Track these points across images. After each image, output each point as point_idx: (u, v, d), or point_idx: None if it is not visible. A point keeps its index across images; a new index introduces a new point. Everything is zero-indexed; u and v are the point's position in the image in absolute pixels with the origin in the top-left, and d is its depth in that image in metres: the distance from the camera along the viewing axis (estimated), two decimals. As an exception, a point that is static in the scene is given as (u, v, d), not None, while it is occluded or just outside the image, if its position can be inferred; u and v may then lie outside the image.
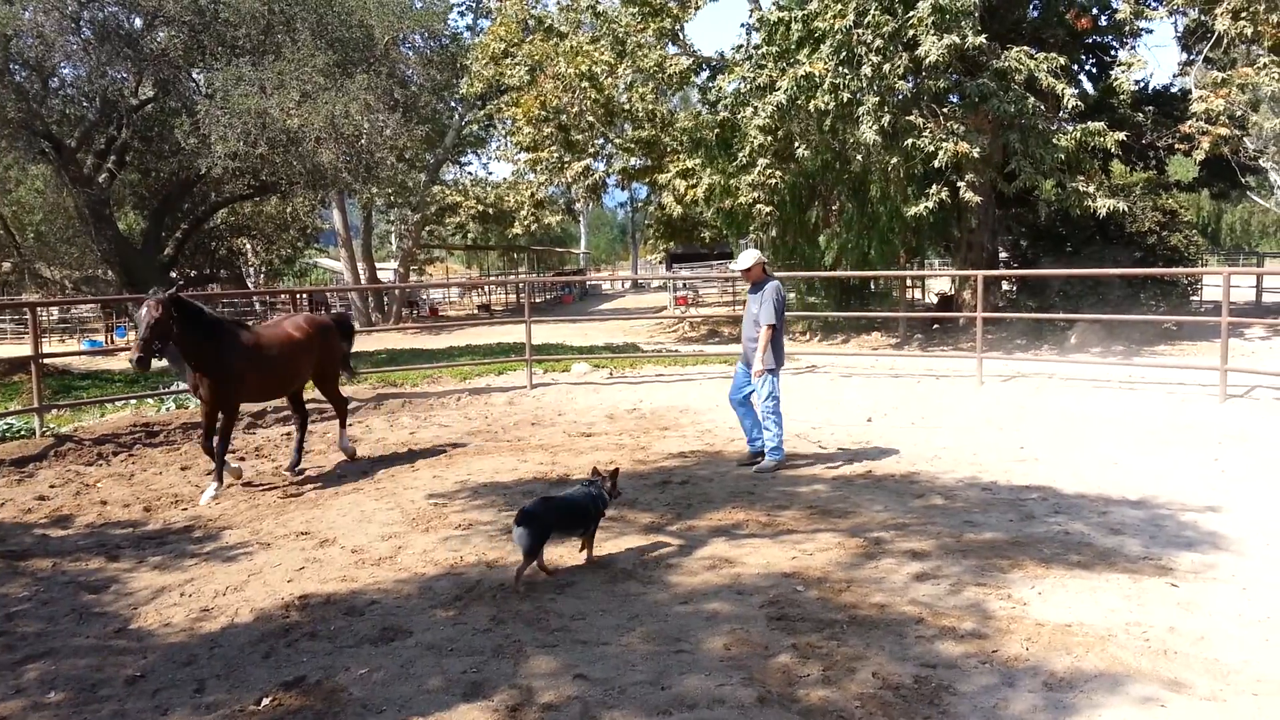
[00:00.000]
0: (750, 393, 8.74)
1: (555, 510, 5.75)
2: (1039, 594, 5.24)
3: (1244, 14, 14.33)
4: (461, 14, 33.38)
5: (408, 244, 36.75)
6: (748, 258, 8.63)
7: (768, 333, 8.38)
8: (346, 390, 12.99)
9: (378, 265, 41.09)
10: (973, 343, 13.60)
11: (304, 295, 37.68)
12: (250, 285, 38.43)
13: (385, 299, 35.74)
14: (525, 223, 35.07)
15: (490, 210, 39.70)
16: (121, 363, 23.05)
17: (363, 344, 21.74)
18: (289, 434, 10.83)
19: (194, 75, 15.50)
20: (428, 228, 40.02)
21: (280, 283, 41.49)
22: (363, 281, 33.87)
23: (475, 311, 40.48)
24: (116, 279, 18.04)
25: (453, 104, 31.72)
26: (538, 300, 40.30)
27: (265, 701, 4.23)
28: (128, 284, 16.37)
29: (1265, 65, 14.77)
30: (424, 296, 42.46)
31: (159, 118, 15.29)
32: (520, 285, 33.43)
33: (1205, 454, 8.63)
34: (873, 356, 15.98)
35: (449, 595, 5.46)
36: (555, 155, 22.59)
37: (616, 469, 6.40)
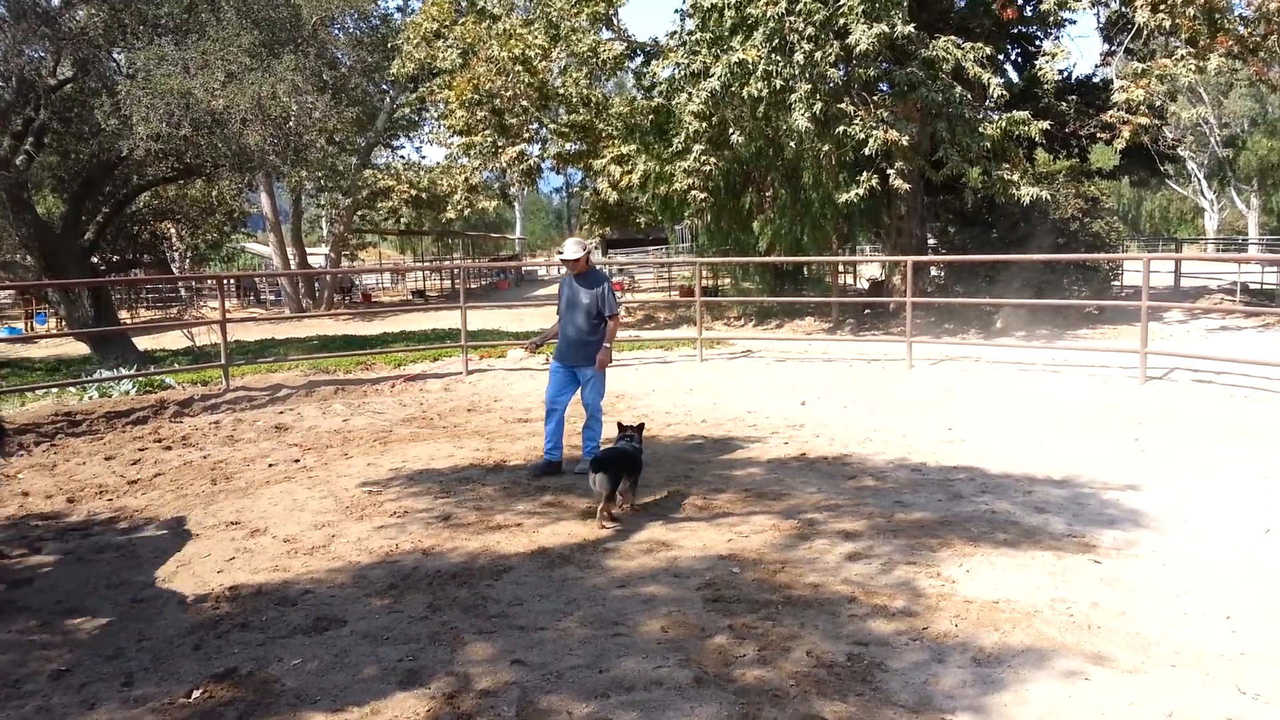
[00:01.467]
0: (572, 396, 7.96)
1: (623, 457, 6.63)
2: (967, 572, 5.39)
3: (1162, 7, 14.73)
4: (392, -5, 32.85)
5: (339, 229, 36.16)
6: (576, 248, 7.95)
7: (616, 325, 7.94)
8: (278, 376, 12.79)
9: (308, 250, 40.36)
10: (903, 327, 13.85)
11: (231, 280, 36.93)
12: (175, 270, 37.50)
13: (316, 285, 35.15)
14: (459, 207, 34.60)
15: (423, 195, 39.15)
16: (43, 350, 22.36)
17: (294, 330, 21.40)
18: (217, 423, 10.63)
19: (115, 55, 15.01)
20: (359, 212, 39.37)
21: (206, 268, 40.54)
22: (293, 267, 33.25)
23: (409, 297, 40.01)
24: (35, 264, 17.48)
25: (384, 86, 31.22)
26: (473, 286, 39.98)
27: (196, 694, 4.17)
28: (47, 269, 15.86)
29: (1182, 57, 15.21)
30: (357, 282, 41.85)
31: (78, 98, 14.79)
32: (455, 271, 33.13)
33: (1126, 434, 8.92)
34: (806, 341, 16.19)
35: (384, 583, 5.43)
36: (489, 139, 22.37)
37: (642, 424, 7.22)
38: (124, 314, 30.56)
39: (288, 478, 8.09)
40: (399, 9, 32.86)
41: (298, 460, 8.76)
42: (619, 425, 7.24)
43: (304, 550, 6.08)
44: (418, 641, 4.63)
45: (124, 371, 12.76)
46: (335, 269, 35.69)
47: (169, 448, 9.48)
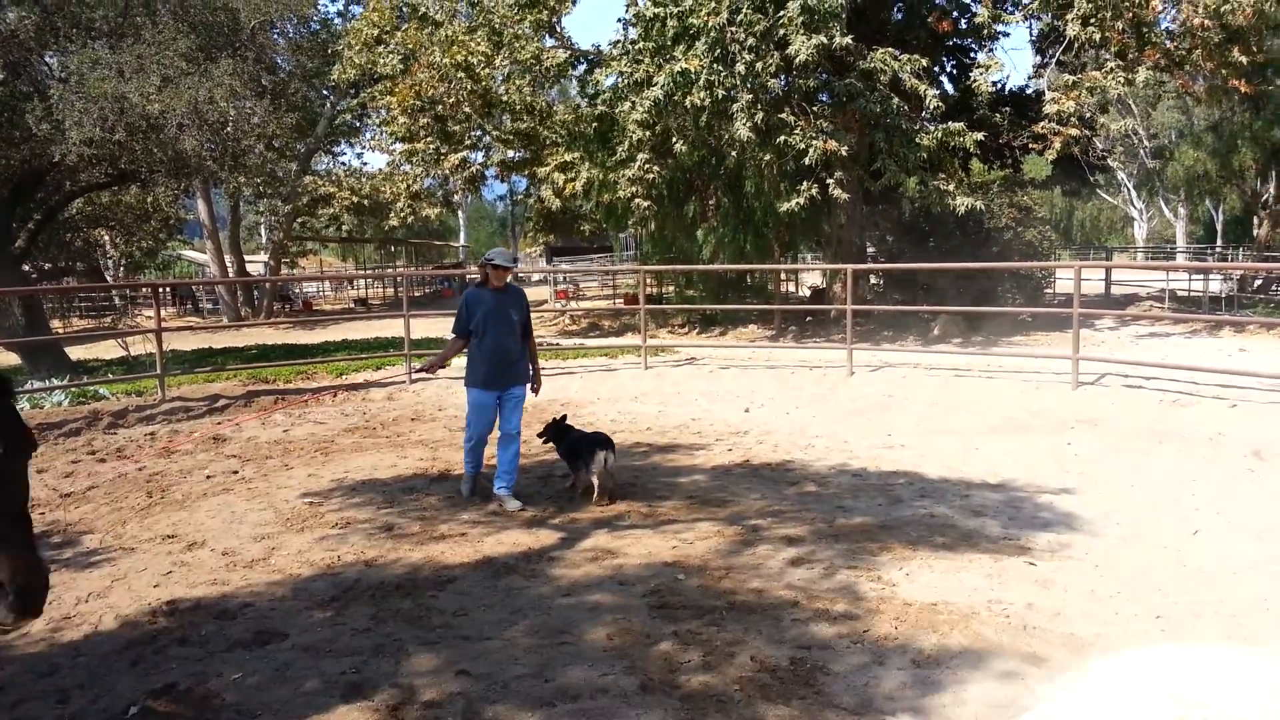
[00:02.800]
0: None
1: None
2: (907, 575, 5.48)
3: (1092, 20, 15.12)
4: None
5: (278, 236, 35.60)
6: (508, 257, 7.49)
7: (533, 344, 7.52)
8: (215, 386, 12.57)
9: (247, 258, 39.64)
10: (844, 334, 14.03)
11: (167, 288, 36.12)
12: (109, 279, 36.61)
13: (255, 293, 34.54)
14: (402, 215, 34.47)
15: (365, 202, 38.75)
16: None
17: (232, 339, 21.03)
18: (152, 434, 10.42)
19: (47, 58, 14.64)
20: (299, 219, 38.84)
21: (142, 276, 39.62)
22: (231, 274, 32.66)
23: (351, 306, 39.46)
24: (-39, 273, 16.95)
25: (324, 92, 30.84)
26: (417, 294, 39.61)
27: (133, 710, 4.09)
28: (-24, 277, 15.35)
29: (1112, 70, 15.62)
30: (297, 290, 41.22)
31: (9, 102, 14.35)
32: (398, 278, 32.81)
33: (1059, 438, 9.15)
34: (749, 348, 16.32)
35: (326, 596, 5.37)
36: (432, 146, 22.26)
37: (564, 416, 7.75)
38: (56, 323, 29.74)
39: (226, 490, 7.96)
40: (339, 14, 32.50)
41: (236, 472, 8.62)
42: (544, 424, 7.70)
43: (243, 563, 5.99)
44: (361, 654, 4.59)
45: (56, 382, 12.46)
46: (275, 277, 35.12)
47: (103, 460, 9.27)
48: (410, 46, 20.93)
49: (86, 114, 12.79)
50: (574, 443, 7.42)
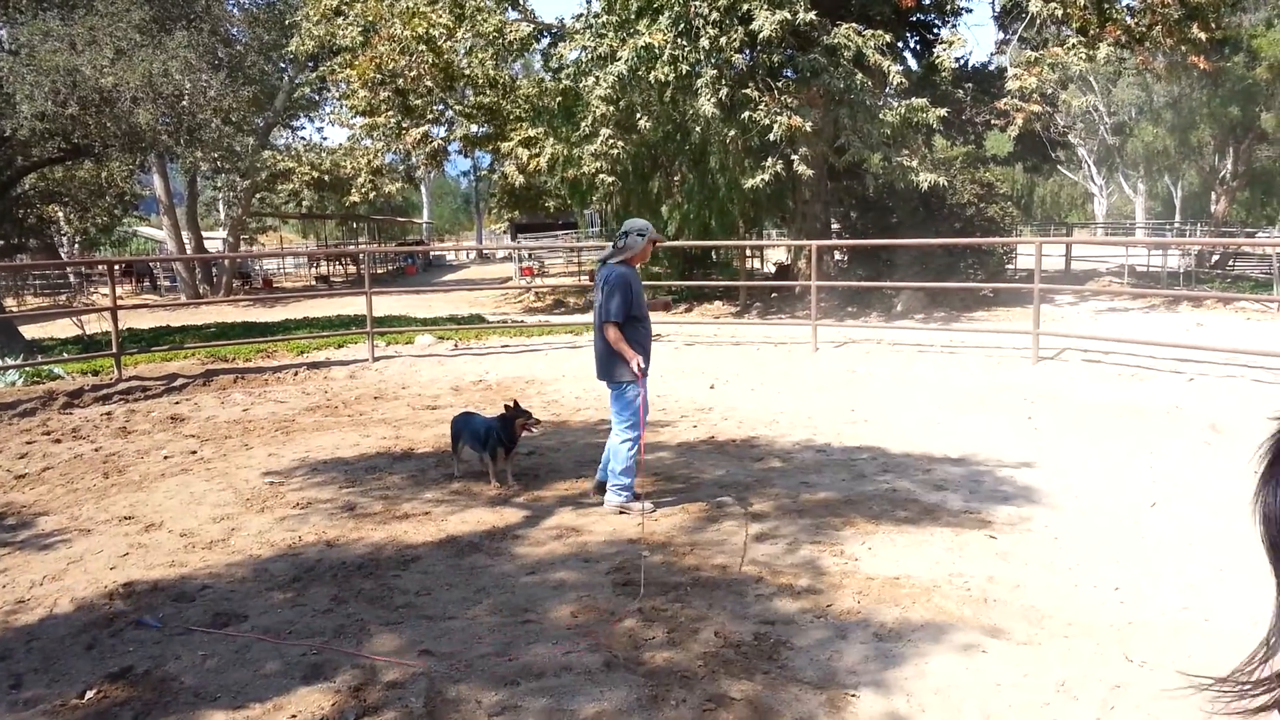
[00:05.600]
0: None
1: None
2: (869, 549, 5.52)
3: (1054, -4, 15.23)
4: (290, -30, 31.85)
5: (237, 212, 35.07)
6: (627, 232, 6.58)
7: (610, 332, 6.34)
8: (173, 364, 12.37)
9: (205, 234, 39.05)
10: (808, 310, 14.07)
11: (122, 265, 35.50)
12: (64, 255, 35.93)
13: (214, 270, 34.04)
14: (363, 190, 34.02)
15: (326, 177, 38.25)
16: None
17: (190, 317, 20.71)
18: (109, 414, 10.24)
19: (-5, 30, 14.29)
20: (258, 195, 38.24)
21: (97, 252, 38.93)
22: (188, 251, 32.15)
23: (313, 283, 39.03)
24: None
25: (282, 65, 30.32)
26: (379, 271, 39.24)
27: (90, 694, 4.02)
28: (-76, 255, 14.99)
29: (1073, 46, 15.72)
30: (257, 267, 40.68)
31: (-44, 76, 14.00)
32: (360, 255, 32.45)
33: (1020, 413, 9.25)
34: (715, 325, 16.33)
35: (286, 577, 5.31)
36: (393, 120, 21.93)
37: (526, 412, 7.15)
38: (9, 301, 29.17)
39: (184, 470, 7.85)
40: (297, -15, 31.92)
41: (195, 452, 8.49)
42: (505, 406, 7.13)
43: (202, 544, 5.91)
44: (322, 635, 4.54)
45: (9, 361, 12.18)
46: (234, 253, 34.61)
47: (58, 440, 9.10)
48: (370, 18, 20.58)
49: (38, 87, 12.49)
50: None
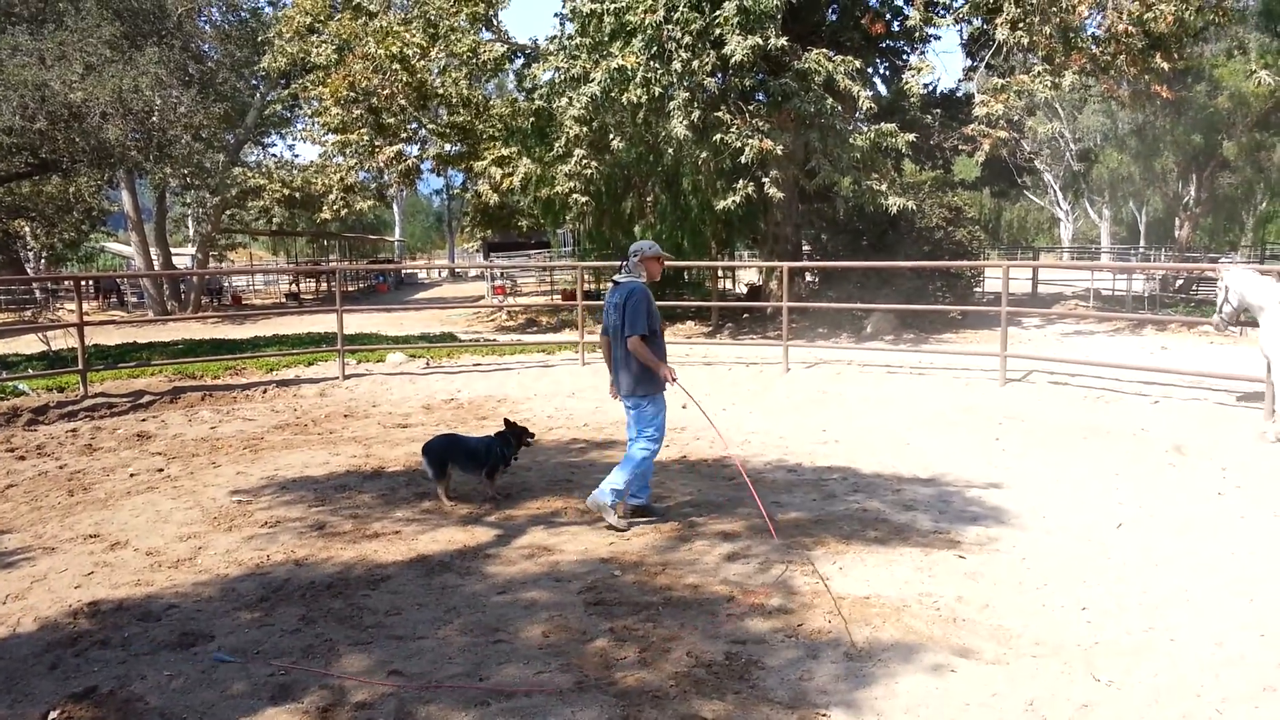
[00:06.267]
0: None
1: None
2: (840, 569, 5.54)
3: (1021, 25, 15.44)
4: (264, -13, 31.75)
5: (206, 228, 34.76)
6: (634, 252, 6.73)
7: (636, 347, 6.38)
8: (140, 381, 12.23)
9: (173, 251, 38.68)
10: (779, 331, 14.15)
11: (89, 281, 35.10)
12: (30, 271, 35.47)
13: (182, 286, 33.70)
14: (335, 208, 33.77)
15: (297, 194, 38.00)
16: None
17: (158, 334, 20.48)
18: (74, 431, 10.11)
19: (-38, 43, 14.14)
20: (228, 211, 37.94)
21: (64, 268, 38.46)
22: (156, 267, 31.82)
23: (283, 300, 38.75)
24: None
25: (254, 81, 30.20)
26: (350, 289, 39.03)
27: (53, 715, 3.95)
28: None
29: (1039, 74, 15.97)
30: (226, 284, 40.33)
31: (-76, 89, 13.85)
32: (331, 272, 32.25)
33: (988, 434, 9.33)
34: (687, 344, 16.37)
35: (254, 596, 5.26)
36: (365, 138, 21.87)
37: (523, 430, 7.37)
38: (-30, 316, 28.74)
39: (151, 488, 7.75)
40: (270, 2, 31.83)
41: (161, 470, 8.39)
42: (506, 422, 7.40)
43: (168, 563, 5.84)
44: (290, 655, 4.50)
45: (-30, 378, 11.99)
46: (202, 270, 34.30)
47: (22, 457, 8.96)
48: (344, 36, 20.58)
49: (6, 101, 12.39)
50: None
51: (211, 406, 11.51)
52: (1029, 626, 4.77)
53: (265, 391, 12.33)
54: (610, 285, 6.72)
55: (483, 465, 7.11)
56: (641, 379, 6.41)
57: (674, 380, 6.35)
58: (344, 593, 5.28)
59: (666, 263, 6.93)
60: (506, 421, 7.43)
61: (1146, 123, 31.83)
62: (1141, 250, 44.59)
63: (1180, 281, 25.13)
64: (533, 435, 7.52)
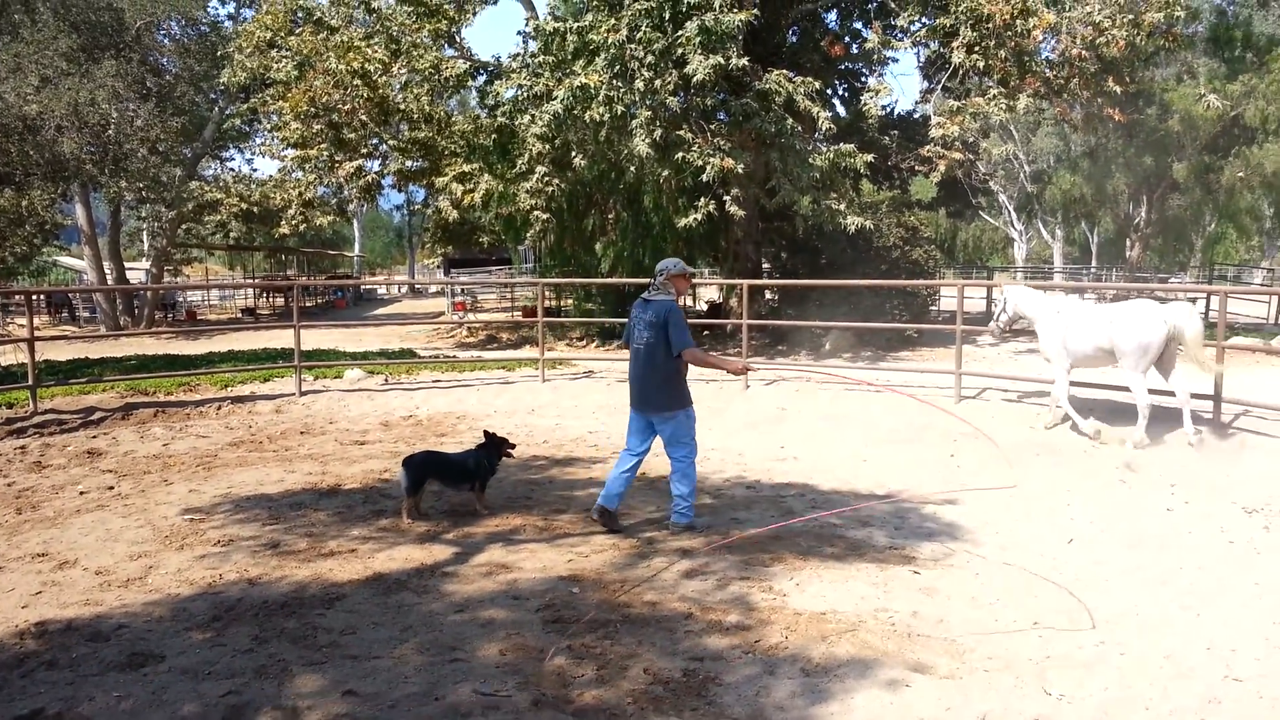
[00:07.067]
0: None
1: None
2: (797, 585, 5.58)
3: (977, 49, 15.73)
4: (223, 1, 31.59)
5: (161, 242, 34.31)
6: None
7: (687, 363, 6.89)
8: (91, 398, 12.02)
9: (127, 265, 38.08)
10: (739, 348, 14.22)
11: (41, 295, 34.47)
12: (-22, 285, 34.72)
13: (136, 301, 33.20)
14: (293, 223, 33.52)
15: (255, 209, 37.64)
16: None
17: (110, 349, 20.15)
18: (23, 448, 9.91)
19: (-88, 53, 13.90)
20: (184, 225, 37.49)
21: (15, 282, 37.68)
22: (110, 282, 31.32)
23: (239, 316, 38.30)
24: None
25: (213, 95, 29.93)
26: (308, 304, 38.67)
27: (-6, 741, 3.87)
28: None
29: (994, 96, 16.26)
30: (181, 299, 39.79)
31: (-127, 100, 13.58)
32: (288, 288, 31.93)
33: (943, 450, 9.44)
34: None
35: (206, 616, 5.18)
36: (325, 153, 21.72)
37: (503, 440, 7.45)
38: (-85, 331, 28.07)
39: (101, 506, 7.62)
40: (230, 17, 31.59)
41: (112, 487, 8.25)
42: (486, 433, 7.49)
43: (118, 582, 5.74)
44: (242, 675, 4.44)
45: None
46: (157, 285, 33.82)
47: (-35, 476, 8.77)
48: (305, 52, 20.46)
49: (-44, 113, 12.19)
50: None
51: (164, 423, 11.34)
52: (982, 641, 4.83)
53: (219, 408, 12.17)
54: (639, 301, 6.86)
55: (473, 479, 7.20)
56: (669, 394, 6.69)
57: (750, 370, 7.36)
58: (298, 612, 5.21)
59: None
60: (486, 433, 7.48)
61: (1099, 145, 32.52)
62: (1093, 270, 45.47)
63: (1198, 314, 25.60)
64: (514, 445, 7.59)
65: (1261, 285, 34.88)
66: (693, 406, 6.86)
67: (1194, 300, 21.71)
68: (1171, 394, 9.77)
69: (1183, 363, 9.74)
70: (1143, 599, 5.42)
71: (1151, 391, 9.59)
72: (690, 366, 6.81)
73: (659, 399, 6.67)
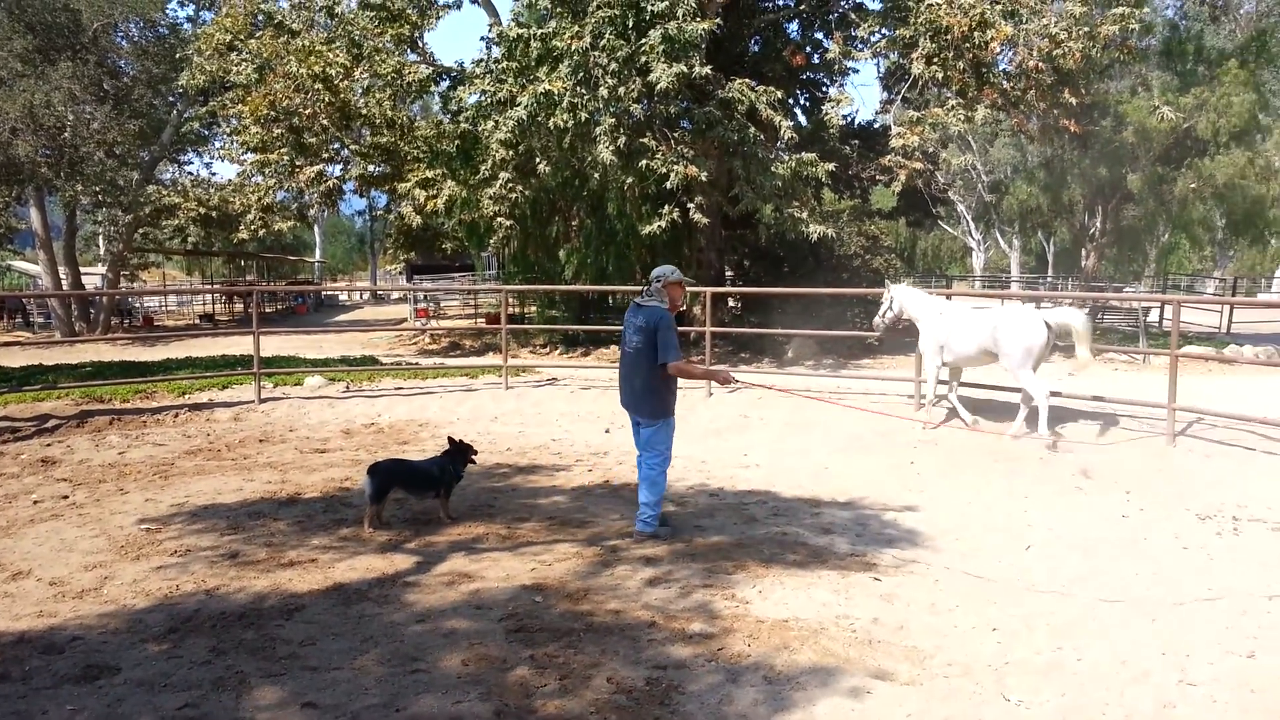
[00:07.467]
0: None
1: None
2: (760, 593, 5.60)
3: (936, 60, 15.93)
4: (182, 3, 31.20)
5: (118, 247, 33.76)
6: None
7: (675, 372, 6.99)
8: (45, 405, 11.81)
9: (83, 270, 37.39)
10: (703, 356, 14.27)
11: (-8, 301, 33.80)
12: (-74, 289, 34.01)
13: (92, 307, 32.65)
14: (253, 228, 33.16)
15: (214, 214, 37.15)
16: None
17: (65, 355, 19.81)
18: (-28, 457, 9.70)
19: None
20: (141, 230, 36.91)
21: (-37, 287, 36.93)
22: (64, 287, 30.76)
23: (197, 321, 37.76)
24: None
25: (171, 98, 29.54)
26: (268, 310, 38.23)
27: (-58, 759, 3.79)
28: None
29: (953, 107, 16.47)
30: (137, 305, 39.17)
31: None
32: (248, 293, 31.57)
33: (903, 458, 9.54)
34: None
35: (163, 627, 5.11)
36: (286, 158, 21.50)
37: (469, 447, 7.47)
38: None
39: (55, 515, 7.48)
40: (189, 19, 31.20)
41: (66, 497, 8.11)
42: (450, 440, 7.48)
43: (73, 593, 5.64)
44: (199, 688, 4.38)
45: None
46: (113, 290, 33.26)
47: (-87, 486, 8.57)
48: (265, 55, 20.26)
49: (-95, 114, 11.93)
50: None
51: (120, 431, 11.16)
52: (942, 647, 4.88)
53: (177, 416, 12.00)
54: (632, 305, 6.98)
55: (438, 486, 7.21)
56: (657, 401, 6.83)
57: (734, 383, 7.31)
58: (257, 623, 5.15)
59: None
60: (451, 440, 7.48)
61: (1055, 156, 33.08)
62: (1050, 279, 46.12)
63: (1087, 310, 25.99)
64: (477, 452, 7.62)
65: (1214, 295, 35.59)
66: (673, 418, 6.97)
67: (1147, 310, 22.14)
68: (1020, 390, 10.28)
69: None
70: (1099, 604, 5.51)
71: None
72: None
73: (642, 405, 6.85)
